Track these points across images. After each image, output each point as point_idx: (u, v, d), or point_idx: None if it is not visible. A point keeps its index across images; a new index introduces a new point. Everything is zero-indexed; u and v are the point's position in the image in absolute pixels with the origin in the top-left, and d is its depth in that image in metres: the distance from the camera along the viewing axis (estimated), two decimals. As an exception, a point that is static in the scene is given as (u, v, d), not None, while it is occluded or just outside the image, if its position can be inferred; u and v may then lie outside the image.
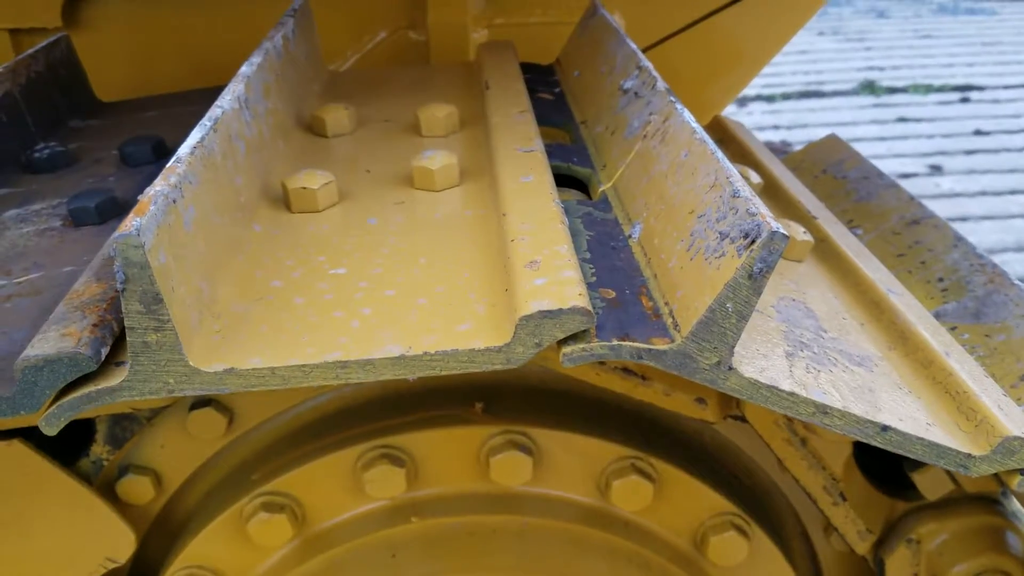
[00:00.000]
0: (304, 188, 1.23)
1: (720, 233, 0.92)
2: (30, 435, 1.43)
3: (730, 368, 0.92)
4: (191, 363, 0.89)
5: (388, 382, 1.50)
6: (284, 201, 1.25)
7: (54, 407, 0.90)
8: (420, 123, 1.50)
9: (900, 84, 8.72)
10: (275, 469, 1.46)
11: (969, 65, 9.21)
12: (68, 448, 1.49)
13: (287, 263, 1.10)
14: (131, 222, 0.85)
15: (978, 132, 7.48)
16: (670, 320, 0.95)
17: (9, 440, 1.41)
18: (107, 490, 1.49)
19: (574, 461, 1.45)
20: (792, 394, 0.94)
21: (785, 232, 0.86)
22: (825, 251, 1.40)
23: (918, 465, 1.46)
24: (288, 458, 1.47)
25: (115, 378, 0.90)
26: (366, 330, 0.95)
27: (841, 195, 1.76)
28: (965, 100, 8.26)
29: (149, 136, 1.53)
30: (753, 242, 0.87)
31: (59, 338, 0.89)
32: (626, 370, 1.36)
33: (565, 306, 0.90)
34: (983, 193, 6.35)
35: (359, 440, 1.44)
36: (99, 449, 1.49)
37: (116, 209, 1.29)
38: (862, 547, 1.50)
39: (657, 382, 1.37)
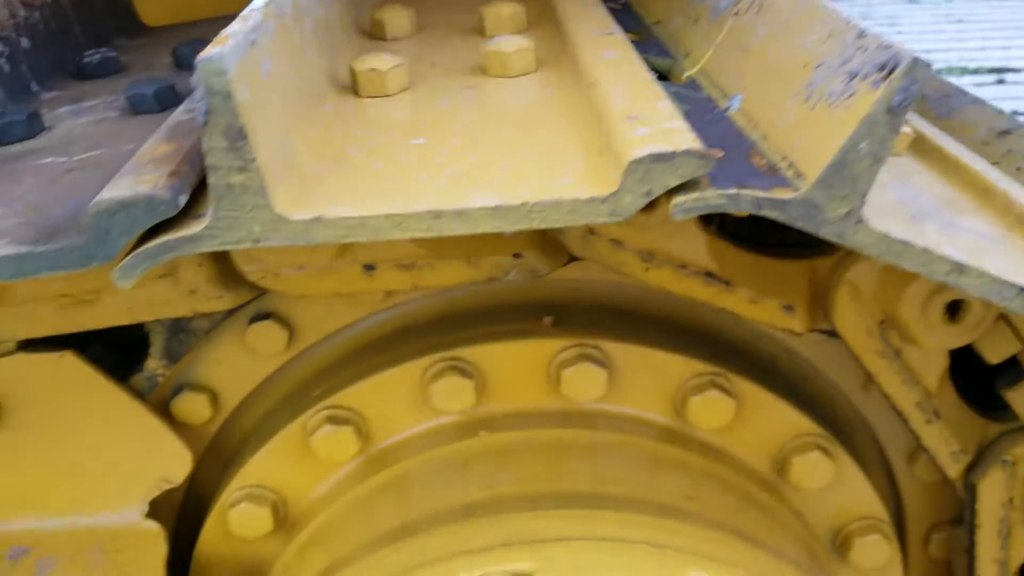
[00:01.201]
0: (373, 70, 1.16)
1: (849, 73, 0.84)
2: (83, 348, 1.37)
3: (859, 220, 0.84)
4: (277, 210, 0.82)
5: (452, 298, 1.43)
6: (352, 86, 1.18)
7: (130, 256, 0.84)
8: (484, 22, 1.43)
9: (935, 67, 8.56)
10: (338, 384, 1.39)
11: (1004, 48, 9.04)
12: (121, 363, 1.43)
13: (360, 134, 1.03)
14: (212, 50, 0.78)
15: (1015, 113, 7.34)
16: (791, 172, 0.87)
17: (61, 352, 1.35)
18: (161, 409, 1.42)
19: (649, 377, 1.37)
20: (926, 251, 0.86)
21: (928, 60, 0.78)
22: (923, 147, 1.31)
23: (1014, 383, 1.38)
24: (351, 372, 1.40)
25: (196, 226, 0.83)
26: (458, 184, 0.88)
27: (922, 114, 1.67)
28: (1001, 82, 8.11)
29: (206, 40, 1.47)
30: (891, 72, 0.79)
31: (135, 183, 0.82)
32: (709, 275, 1.28)
33: (678, 149, 0.83)
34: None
35: (425, 353, 1.37)
36: (154, 364, 1.43)
37: (175, 98, 1.23)
38: (954, 470, 1.41)
39: (743, 288, 1.29)
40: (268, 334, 1.40)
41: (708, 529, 1.21)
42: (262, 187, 0.81)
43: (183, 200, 0.84)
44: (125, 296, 1.25)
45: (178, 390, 1.45)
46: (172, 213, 0.83)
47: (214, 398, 1.46)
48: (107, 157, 1.04)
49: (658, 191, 0.83)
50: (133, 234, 0.82)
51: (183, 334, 1.41)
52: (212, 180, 0.80)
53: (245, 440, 1.49)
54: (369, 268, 1.25)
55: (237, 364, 1.44)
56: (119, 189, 0.82)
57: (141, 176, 0.83)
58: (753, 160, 0.91)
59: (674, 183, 0.82)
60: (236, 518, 1.41)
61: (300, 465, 1.40)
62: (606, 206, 0.83)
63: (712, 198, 0.83)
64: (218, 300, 1.26)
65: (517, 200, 0.83)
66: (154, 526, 1.42)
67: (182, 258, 1.23)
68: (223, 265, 1.26)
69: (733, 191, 0.83)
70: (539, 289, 1.44)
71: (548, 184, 0.85)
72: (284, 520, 1.42)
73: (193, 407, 1.45)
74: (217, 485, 1.49)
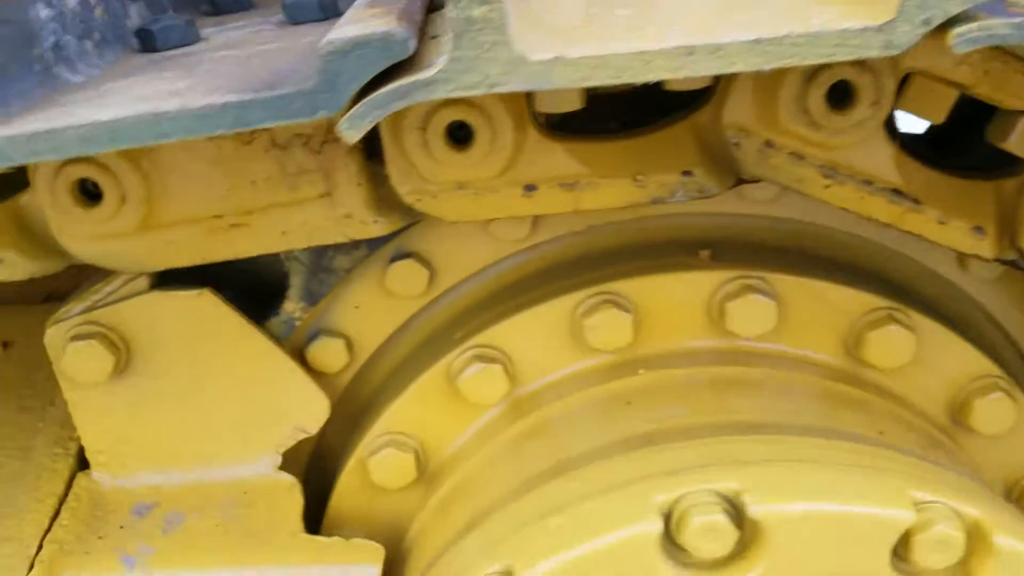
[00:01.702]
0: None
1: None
2: (219, 288, 1.30)
3: None
4: (516, 49, 0.76)
5: (598, 235, 1.36)
6: None
7: (360, 105, 0.77)
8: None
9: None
10: (482, 324, 1.32)
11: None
12: (257, 305, 1.36)
13: None
14: None
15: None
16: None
17: (199, 290, 1.28)
18: (296, 356, 1.35)
19: (820, 311, 1.29)
20: None
21: None
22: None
23: None
24: (496, 313, 1.33)
25: (429, 71, 0.77)
26: (712, 18, 0.81)
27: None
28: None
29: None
30: None
31: (365, 25, 0.76)
32: (896, 192, 1.20)
33: (961, -29, 0.76)
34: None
35: (577, 288, 1.30)
36: (291, 306, 1.36)
37: (337, 10, 1.17)
38: None
39: (931, 208, 1.21)
40: (408, 275, 1.33)
41: (911, 457, 1.12)
42: (503, 22, 0.75)
43: (413, 45, 0.78)
44: (278, 219, 1.19)
45: (314, 335, 1.38)
46: (405, 55, 0.77)
47: (349, 345, 1.39)
48: (289, 47, 0.99)
49: (938, 19, 0.76)
50: (364, 78, 0.76)
51: (323, 274, 1.34)
52: (452, 13, 0.74)
53: (379, 389, 1.41)
54: (530, 189, 1.18)
55: (375, 308, 1.37)
56: (349, 30, 0.76)
57: (369, 19, 0.78)
58: (1008, 8, 0.84)
59: (955, 10, 0.76)
60: (378, 466, 1.32)
61: (444, 410, 1.32)
62: (879, 36, 0.76)
63: (998, 27, 0.76)
64: (373, 225, 1.20)
65: (779, 32, 0.76)
66: (288, 478, 1.34)
67: (341, 176, 1.18)
68: (380, 189, 1.20)
69: (1020, 19, 0.76)
70: (691, 226, 1.37)
71: (812, 15, 0.79)
72: (425, 470, 1.34)
73: (329, 353, 1.38)
74: (348, 436, 1.41)
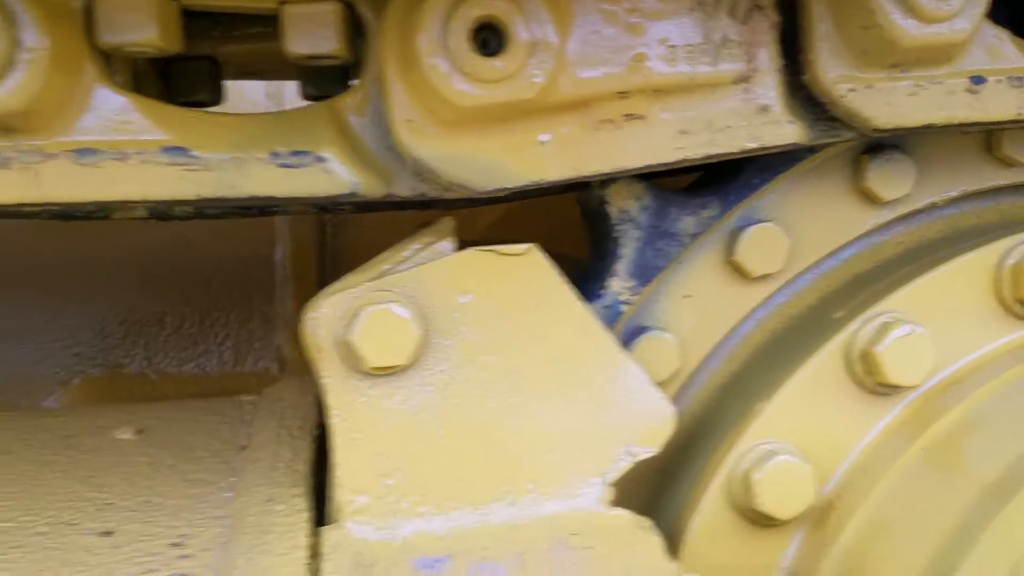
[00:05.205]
0: None
1: None
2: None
3: None
4: None
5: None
6: None
7: None
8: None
9: None
10: (875, 295, 1.03)
11: None
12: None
13: None
14: None
15: None
16: None
17: (526, 247, 0.96)
18: None
19: None
20: None
21: None
22: None
23: None
24: (890, 280, 1.05)
25: None
26: None
27: None
28: None
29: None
30: None
31: None
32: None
33: None
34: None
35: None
36: (618, 285, 1.04)
37: None
38: None
39: None
40: (767, 244, 1.05)
41: None
42: None
43: None
44: (682, 110, 0.92)
45: (637, 331, 1.05)
46: None
47: (682, 342, 1.06)
48: None
49: None
50: None
51: (663, 240, 1.04)
52: None
53: (716, 398, 1.06)
54: (977, 82, 0.96)
55: (713, 294, 1.07)
56: None
57: None
58: None
59: None
60: (766, 486, 0.95)
61: (843, 406, 0.99)
62: None
63: None
64: (787, 127, 0.94)
65: None
66: (630, 515, 0.94)
67: (762, 56, 0.94)
68: (799, 85, 0.96)
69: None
70: None
71: None
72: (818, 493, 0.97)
73: (659, 355, 1.04)
74: (682, 453, 1.03)
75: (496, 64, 0.86)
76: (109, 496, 1.03)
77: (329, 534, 0.92)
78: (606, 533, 0.93)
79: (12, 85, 0.79)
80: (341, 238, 1.84)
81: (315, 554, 0.89)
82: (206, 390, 1.71)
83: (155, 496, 1.03)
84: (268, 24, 0.94)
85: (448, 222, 1.00)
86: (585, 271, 1.05)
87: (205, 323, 1.74)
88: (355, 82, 0.95)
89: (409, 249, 0.97)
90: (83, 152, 0.84)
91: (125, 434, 1.18)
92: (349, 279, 0.97)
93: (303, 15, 0.90)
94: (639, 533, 0.92)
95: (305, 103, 1.05)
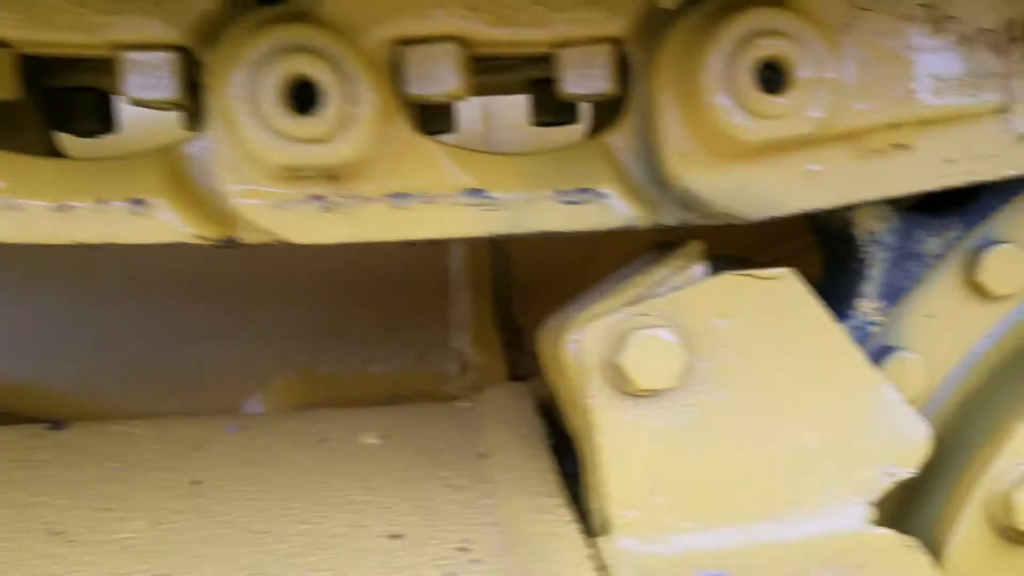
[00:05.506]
0: None
1: None
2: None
3: None
4: None
5: None
6: None
7: None
8: None
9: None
10: None
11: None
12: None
13: None
14: None
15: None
16: None
17: (782, 271, 1.00)
18: None
19: None
20: None
21: None
22: None
23: None
24: None
25: None
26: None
27: None
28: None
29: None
30: None
31: None
32: None
33: None
34: None
35: None
36: (867, 306, 1.07)
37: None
38: None
39: None
40: (1007, 263, 1.07)
41: None
42: None
43: None
44: (946, 139, 0.95)
45: (883, 351, 1.08)
46: None
47: (927, 361, 1.09)
48: None
49: None
50: None
51: (910, 262, 1.07)
52: None
53: (962, 411, 1.09)
54: None
55: (955, 312, 1.09)
56: None
57: None
58: None
59: None
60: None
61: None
62: None
63: None
64: (1050, 156, 0.97)
65: None
66: (895, 535, 0.98)
67: (1019, 85, 0.96)
68: None
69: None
70: None
71: None
72: None
73: (908, 375, 1.07)
74: (928, 471, 1.06)
75: (779, 101, 0.90)
76: (381, 499, 1.10)
77: (605, 546, 0.97)
78: (875, 553, 0.97)
79: (349, 139, 0.85)
80: (509, 241, 1.90)
81: (601, 565, 0.95)
82: (389, 389, 1.80)
83: (423, 500, 1.09)
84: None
85: (696, 245, 1.04)
86: (822, 292, 1.09)
87: (388, 326, 1.82)
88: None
89: (661, 273, 1.02)
90: (397, 197, 0.91)
91: (371, 439, 1.26)
92: (603, 303, 1.01)
93: (578, 56, 0.95)
94: (908, 553, 0.96)
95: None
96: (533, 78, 1.11)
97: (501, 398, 1.37)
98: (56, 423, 1.25)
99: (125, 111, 1.13)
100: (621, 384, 0.96)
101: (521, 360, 1.78)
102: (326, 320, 1.80)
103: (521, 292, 1.83)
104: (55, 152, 1.06)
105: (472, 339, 1.79)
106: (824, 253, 1.14)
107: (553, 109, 1.16)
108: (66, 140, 1.11)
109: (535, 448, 1.19)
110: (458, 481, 1.14)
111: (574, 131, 1.23)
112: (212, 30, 0.88)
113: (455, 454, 1.22)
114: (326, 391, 1.77)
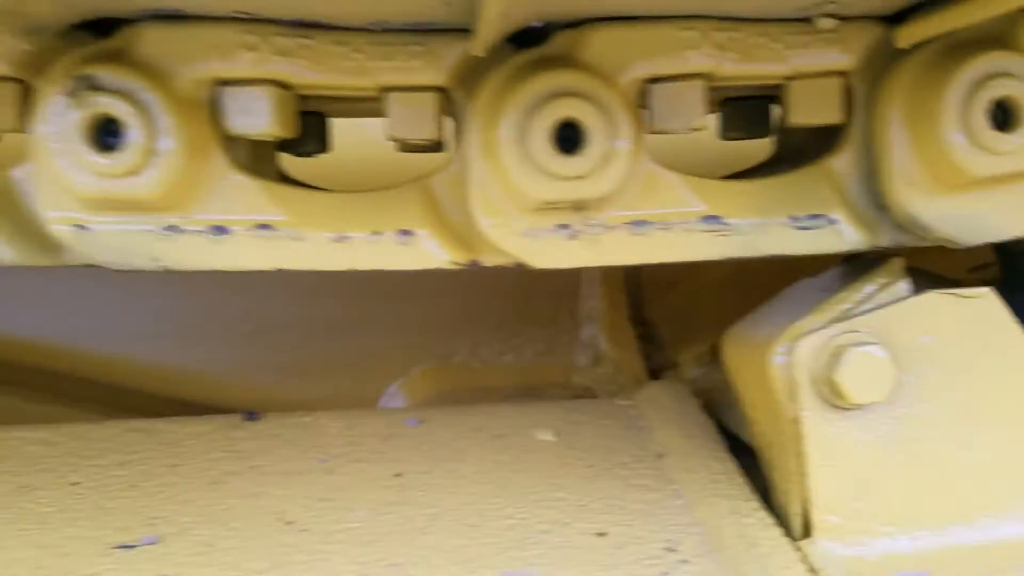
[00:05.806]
0: None
1: None
2: (1001, 289, 1.07)
3: None
4: None
5: None
6: None
7: None
8: None
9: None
10: None
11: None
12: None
13: None
14: None
15: None
16: None
17: (983, 290, 1.05)
18: None
19: None
20: None
21: None
22: None
23: None
24: None
25: None
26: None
27: None
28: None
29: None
30: None
31: None
32: None
33: None
34: None
35: None
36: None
37: None
38: None
39: None
40: None
41: None
42: None
43: None
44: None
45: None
46: None
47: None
48: None
49: None
50: None
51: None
52: None
53: None
54: None
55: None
56: None
57: None
58: None
59: None
60: None
61: None
62: None
63: None
64: None
65: None
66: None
67: None
68: None
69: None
70: None
71: None
72: None
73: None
74: None
75: (1012, 139, 0.95)
76: (574, 496, 1.15)
77: (810, 548, 1.03)
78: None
79: (609, 175, 0.91)
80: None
81: (811, 568, 1.01)
82: (522, 379, 1.86)
83: (616, 499, 1.15)
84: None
85: (898, 263, 1.09)
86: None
87: (521, 318, 1.88)
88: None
89: (866, 289, 1.07)
90: (637, 224, 0.96)
91: (546, 435, 1.31)
92: (809, 318, 1.07)
93: (809, 88, 1.00)
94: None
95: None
96: (727, 97, 1.15)
97: (662, 397, 1.42)
98: (251, 414, 1.31)
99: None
100: (833, 398, 1.02)
101: (652, 354, 1.83)
102: (461, 313, 1.86)
103: (651, 288, 1.89)
104: (282, 174, 1.12)
105: (605, 332, 1.84)
106: (1005, 271, 1.18)
107: (743, 125, 1.20)
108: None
109: (714, 450, 1.24)
110: (641, 480, 1.19)
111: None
112: (471, 73, 0.94)
113: (632, 453, 1.26)
114: (461, 380, 1.83)
